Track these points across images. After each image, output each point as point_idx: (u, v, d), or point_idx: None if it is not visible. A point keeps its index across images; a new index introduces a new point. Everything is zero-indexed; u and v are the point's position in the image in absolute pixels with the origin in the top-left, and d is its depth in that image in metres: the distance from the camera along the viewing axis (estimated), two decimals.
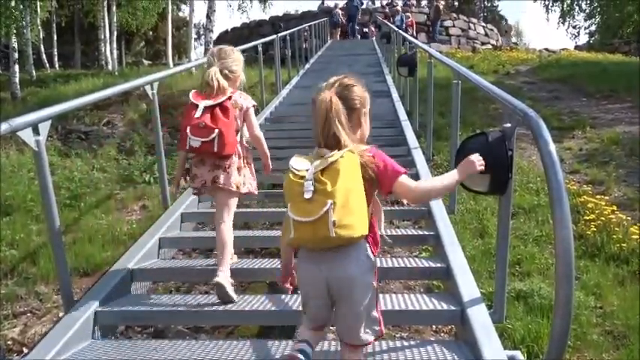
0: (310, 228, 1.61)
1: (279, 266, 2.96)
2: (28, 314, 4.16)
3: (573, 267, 1.58)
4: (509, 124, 2.10)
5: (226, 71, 2.78)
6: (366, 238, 1.70)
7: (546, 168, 1.65)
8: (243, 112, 2.82)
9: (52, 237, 2.49)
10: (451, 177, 1.85)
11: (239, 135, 2.83)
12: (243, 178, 2.83)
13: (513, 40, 28.75)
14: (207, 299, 2.64)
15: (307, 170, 1.66)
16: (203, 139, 2.63)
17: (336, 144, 1.68)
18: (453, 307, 2.29)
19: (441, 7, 20.66)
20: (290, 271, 1.94)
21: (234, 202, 2.83)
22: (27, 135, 2.26)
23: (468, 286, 2.33)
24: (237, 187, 2.78)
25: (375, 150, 1.76)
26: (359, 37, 21.53)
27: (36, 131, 2.31)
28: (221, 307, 2.47)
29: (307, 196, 1.61)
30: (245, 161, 2.87)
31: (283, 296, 2.59)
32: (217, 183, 2.73)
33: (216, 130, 2.63)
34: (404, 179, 1.73)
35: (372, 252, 1.74)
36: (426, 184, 1.90)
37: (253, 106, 2.88)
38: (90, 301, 2.49)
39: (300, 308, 1.82)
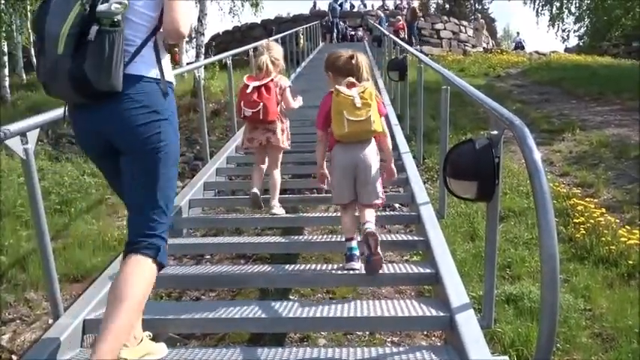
0: (358, 124, 2.74)
1: (270, 272, 2.99)
2: (17, 321, 4.13)
3: (558, 274, 1.60)
4: (495, 132, 2.12)
5: (272, 59, 3.88)
6: (376, 139, 2.92)
7: (531, 176, 1.67)
8: (282, 90, 3.93)
9: (41, 246, 2.47)
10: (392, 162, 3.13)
11: (279, 106, 3.91)
12: (284, 137, 3.96)
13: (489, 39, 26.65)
14: (198, 306, 2.64)
15: (352, 93, 2.77)
16: (252, 110, 3.72)
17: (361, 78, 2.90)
18: (442, 313, 2.30)
19: (417, 9, 20.65)
20: (323, 173, 3.16)
21: (280, 155, 4.03)
22: (15, 143, 2.25)
23: (456, 292, 2.35)
24: (282, 143, 3.94)
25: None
26: (349, 39, 21.68)
27: (24, 139, 2.30)
28: (211, 315, 2.46)
29: (358, 105, 2.74)
30: (284, 125, 3.99)
31: (274, 303, 2.60)
32: (270, 141, 3.88)
33: (261, 104, 3.71)
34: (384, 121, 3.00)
35: (377, 152, 2.92)
36: (390, 148, 3.11)
37: (289, 86, 4.06)
38: (79, 309, 2.48)
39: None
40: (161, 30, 1.94)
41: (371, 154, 2.84)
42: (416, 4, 22.47)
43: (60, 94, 1.93)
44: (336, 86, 2.82)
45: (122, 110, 1.86)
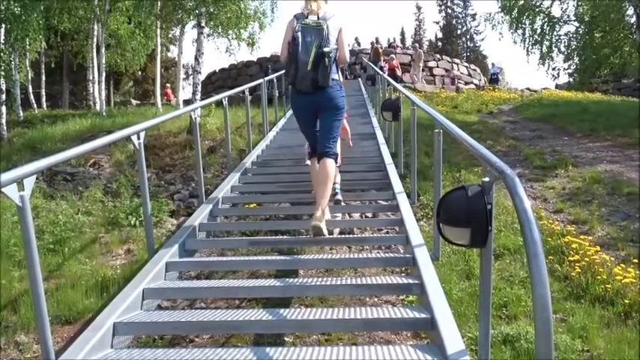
0: None
1: (264, 318, 2.96)
2: None
3: (552, 324, 1.60)
4: (487, 179, 2.15)
5: None
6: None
7: (522, 225, 1.69)
8: None
9: (34, 291, 2.46)
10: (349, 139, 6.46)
11: None
12: None
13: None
14: (190, 352, 2.61)
15: None
16: None
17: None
18: None
19: (380, 49, 20.88)
20: None
21: None
22: (11, 191, 2.26)
23: (452, 339, 2.33)
24: None
25: None
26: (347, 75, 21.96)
27: (21, 186, 2.31)
28: None
29: None
30: None
31: (268, 349, 2.56)
32: None
33: None
34: None
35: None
36: (348, 129, 6.30)
37: None
38: (72, 355, 2.44)
39: None
40: (337, 57, 4.22)
41: None
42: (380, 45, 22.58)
43: (303, 88, 4.11)
44: None
45: (329, 92, 4.15)
